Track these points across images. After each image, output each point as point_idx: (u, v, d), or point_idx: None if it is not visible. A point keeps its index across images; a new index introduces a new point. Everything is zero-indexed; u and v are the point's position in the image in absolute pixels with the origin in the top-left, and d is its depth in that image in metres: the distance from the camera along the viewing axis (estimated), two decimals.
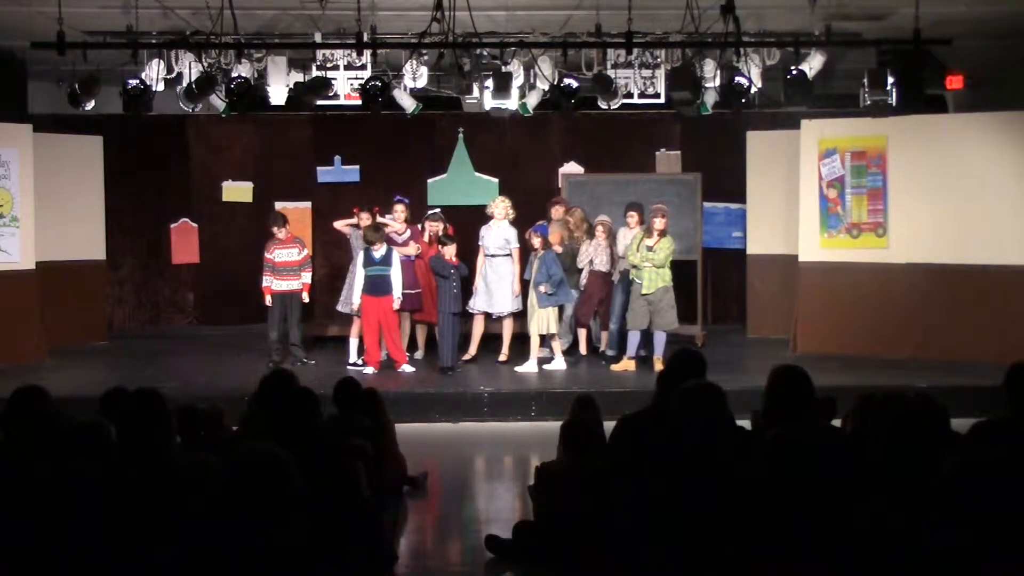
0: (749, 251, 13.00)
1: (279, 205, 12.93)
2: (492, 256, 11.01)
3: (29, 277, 11.30)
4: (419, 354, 11.51)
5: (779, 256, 12.42)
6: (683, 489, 3.97)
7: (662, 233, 10.55)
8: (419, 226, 11.46)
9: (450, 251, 10.57)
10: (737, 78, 9.80)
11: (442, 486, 7.93)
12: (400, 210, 11.27)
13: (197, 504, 3.76)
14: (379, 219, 11.34)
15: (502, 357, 11.15)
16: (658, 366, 10.29)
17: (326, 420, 5.88)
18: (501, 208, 11.03)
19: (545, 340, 11.00)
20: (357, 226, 11.29)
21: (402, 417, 8.47)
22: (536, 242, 10.84)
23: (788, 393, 4.66)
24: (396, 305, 10.65)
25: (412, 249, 11.18)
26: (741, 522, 3.60)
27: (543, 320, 10.72)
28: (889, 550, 3.33)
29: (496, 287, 11.00)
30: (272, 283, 10.95)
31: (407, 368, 10.70)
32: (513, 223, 11.09)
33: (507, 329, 11.19)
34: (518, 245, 11.05)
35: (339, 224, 11.67)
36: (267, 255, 10.99)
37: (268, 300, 10.99)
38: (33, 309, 11.28)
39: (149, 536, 3.76)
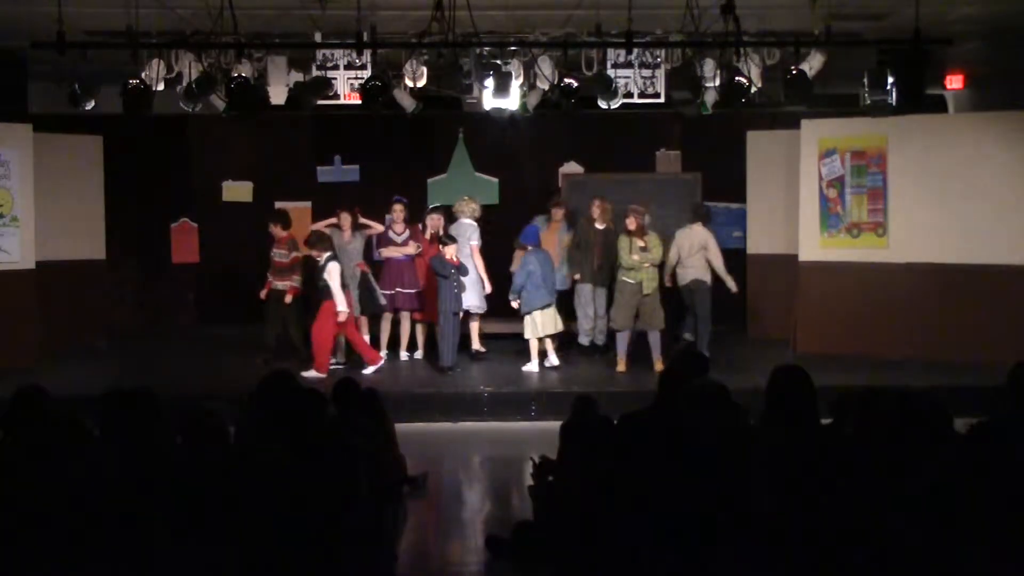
0: (749, 251, 13.00)
1: (279, 205, 12.94)
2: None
3: (29, 277, 11.30)
4: (419, 354, 11.54)
5: (779, 256, 12.43)
6: (686, 489, 3.97)
7: (642, 230, 10.56)
8: (420, 225, 11.47)
9: (451, 250, 10.58)
10: (737, 78, 9.79)
11: (442, 486, 7.94)
12: (399, 210, 11.32)
13: (195, 504, 3.76)
14: (361, 220, 11.38)
15: (476, 347, 11.42)
16: (658, 366, 10.34)
17: (326, 420, 5.88)
18: (468, 208, 11.27)
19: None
20: (339, 227, 11.29)
21: (402, 417, 8.47)
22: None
23: (789, 393, 4.66)
24: (341, 318, 10.48)
25: (412, 248, 11.25)
26: (742, 522, 3.60)
27: (532, 325, 10.77)
28: (889, 551, 3.33)
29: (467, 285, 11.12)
30: (271, 280, 11.06)
31: (370, 370, 10.59)
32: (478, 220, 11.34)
33: (475, 325, 11.41)
34: (477, 243, 11.21)
35: (318, 225, 11.64)
36: (270, 252, 11.12)
37: (263, 295, 11.06)
38: (33, 309, 11.27)
39: (147, 536, 3.76)
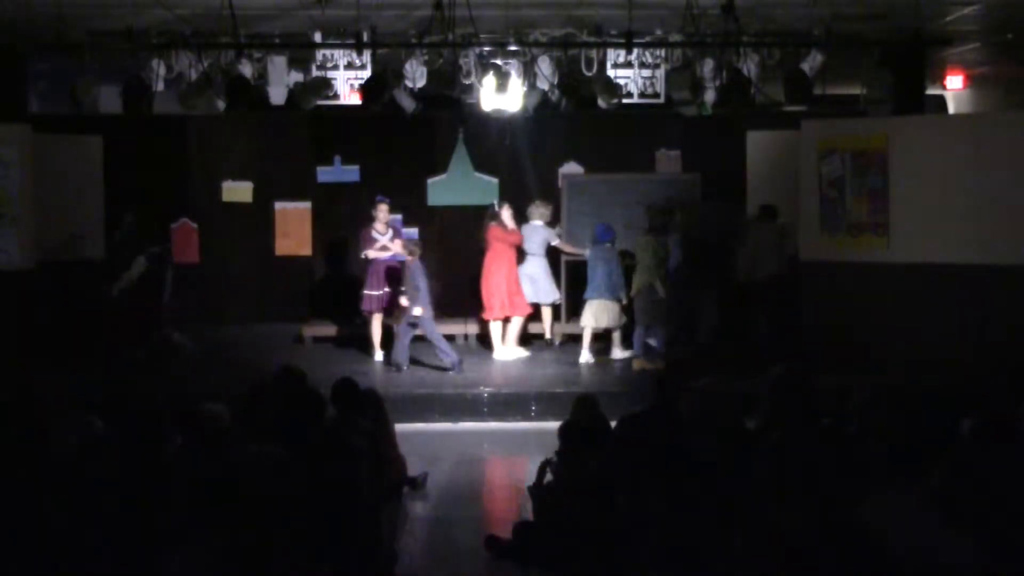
0: None
1: (279, 205, 12.94)
2: (533, 255, 11.80)
3: (28, 277, 11.28)
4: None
5: None
6: (685, 490, 3.97)
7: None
8: (492, 223, 11.65)
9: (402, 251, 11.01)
10: (737, 78, 9.80)
11: (442, 486, 7.93)
12: (383, 209, 11.36)
13: (197, 505, 3.75)
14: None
15: (548, 337, 12.01)
16: (635, 364, 10.77)
17: (326, 421, 5.88)
18: (539, 211, 11.90)
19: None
20: None
21: (402, 417, 8.47)
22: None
23: (789, 394, 4.66)
24: None
25: (398, 247, 11.26)
26: (742, 523, 3.60)
27: (589, 316, 11.21)
28: (891, 550, 3.33)
29: (540, 280, 11.78)
30: None
31: None
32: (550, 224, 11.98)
33: (547, 316, 12.00)
34: (556, 243, 11.95)
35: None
36: None
37: None
38: (32, 309, 11.26)
39: (148, 537, 3.76)
